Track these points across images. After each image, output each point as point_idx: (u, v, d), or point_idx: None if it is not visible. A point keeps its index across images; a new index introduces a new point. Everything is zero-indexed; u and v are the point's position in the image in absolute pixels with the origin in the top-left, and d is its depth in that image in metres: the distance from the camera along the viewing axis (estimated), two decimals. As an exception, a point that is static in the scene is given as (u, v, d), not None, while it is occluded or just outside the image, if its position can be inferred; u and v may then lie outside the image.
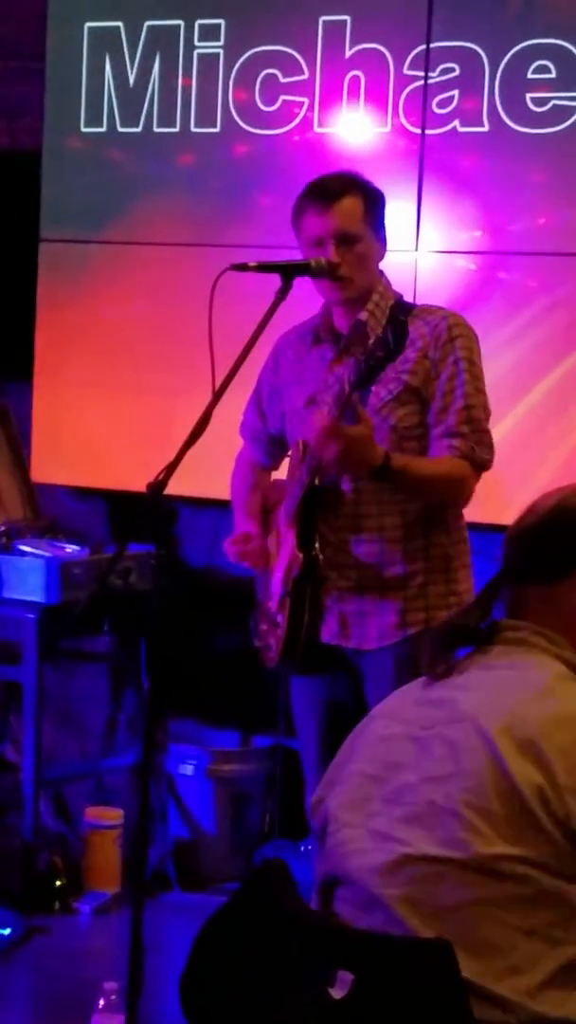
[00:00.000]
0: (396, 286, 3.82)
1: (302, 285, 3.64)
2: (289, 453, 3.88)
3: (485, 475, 3.88)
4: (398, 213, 4.49)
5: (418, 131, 4.75)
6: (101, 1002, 3.60)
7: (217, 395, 3.43)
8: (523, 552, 2.20)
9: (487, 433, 3.69)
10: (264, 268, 3.58)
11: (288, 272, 3.57)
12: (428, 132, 4.74)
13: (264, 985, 2.00)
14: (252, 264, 3.57)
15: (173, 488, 3.43)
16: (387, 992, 1.89)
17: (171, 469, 3.40)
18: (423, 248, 4.74)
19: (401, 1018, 1.88)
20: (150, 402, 5.09)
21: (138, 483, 3.48)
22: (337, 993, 1.91)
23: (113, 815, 4.87)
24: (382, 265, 3.78)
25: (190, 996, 2.09)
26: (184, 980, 2.10)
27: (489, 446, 3.69)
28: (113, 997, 3.60)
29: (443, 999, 1.87)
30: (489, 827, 1.94)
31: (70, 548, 4.89)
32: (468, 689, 2.10)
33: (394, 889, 1.99)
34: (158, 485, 3.38)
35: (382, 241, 3.74)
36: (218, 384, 3.40)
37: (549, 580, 2.16)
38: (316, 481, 3.64)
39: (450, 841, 1.96)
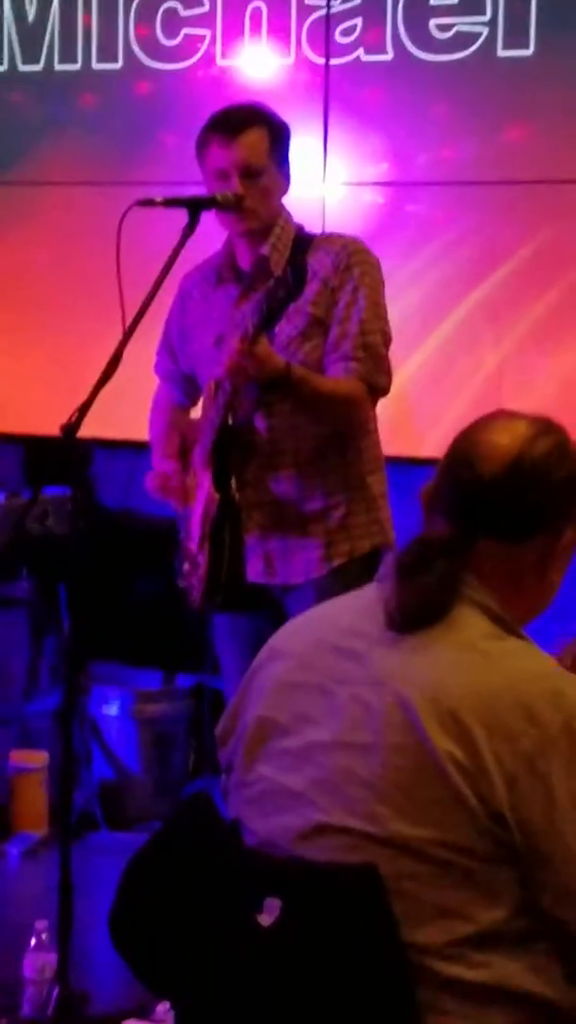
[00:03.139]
0: (303, 220, 3.80)
1: (205, 222, 3.62)
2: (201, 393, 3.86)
3: (399, 408, 3.90)
4: (304, 146, 4.47)
5: (322, 61, 4.72)
6: (33, 941, 3.61)
7: (127, 334, 3.42)
8: (481, 508, 2.03)
9: (384, 359, 3.68)
10: (170, 203, 3.56)
11: (194, 206, 3.56)
12: (332, 62, 4.71)
13: (193, 915, 2.01)
14: (158, 199, 3.55)
15: (88, 430, 3.42)
16: (315, 918, 1.91)
17: (84, 410, 3.39)
18: (330, 181, 4.73)
19: (331, 944, 1.89)
20: (62, 344, 5.06)
21: (52, 427, 3.46)
22: (265, 920, 1.92)
23: (38, 758, 4.87)
24: (287, 199, 3.76)
25: (121, 929, 2.10)
26: (114, 914, 2.10)
27: (386, 372, 3.68)
28: (44, 936, 3.61)
29: (370, 924, 1.88)
30: (409, 804, 1.89)
31: (-15, 493, 4.86)
32: (394, 648, 2.00)
33: (313, 855, 1.96)
34: (71, 426, 3.37)
35: (286, 175, 3.72)
36: (128, 323, 3.39)
37: (509, 540, 2.03)
38: (229, 420, 3.63)
39: (368, 815, 1.92)
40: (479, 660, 1.96)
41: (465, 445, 2.09)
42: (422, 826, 1.90)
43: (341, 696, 2.00)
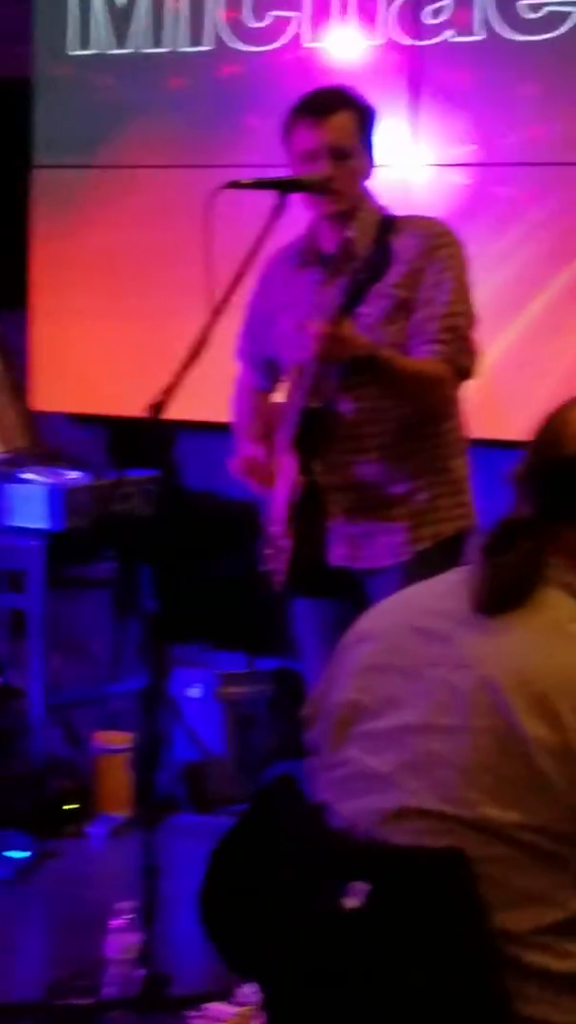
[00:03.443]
0: (389, 202, 3.79)
1: (289, 206, 3.61)
2: (283, 377, 3.86)
3: (483, 390, 3.88)
4: (391, 127, 4.45)
5: (409, 42, 4.70)
6: (116, 922, 3.63)
7: (214, 316, 3.43)
8: (565, 488, 2.01)
9: (470, 341, 3.67)
10: (259, 184, 3.58)
11: (282, 187, 3.56)
12: (420, 43, 4.69)
13: (279, 897, 2.01)
14: (247, 181, 3.56)
15: (173, 412, 3.43)
16: (401, 902, 1.90)
17: (171, 390, 3.40)
18: (416, 162, 4.70)
19: (417, 928, 1.89)
20: (148, 326, 5.07)
21: (138, 408, 3.47)
22: (350, 903, 1.91)
23: (122, 739, 4.89)
24: (373, 181, 3.75)
25: (209, 911, 2.10)
26: (202, 896, 2.10)
27: (472, 354, 3.67)
28: (127, 917, 3.62)
29: (458, 909, 1.87)
30: (497, 787, 1.87)
31: (72, 475, 4.88)
32: (482, 631, 1.98)
33: (398, 838, 1.95)
34: (157, 407, 3.39)
35: (371, 159, 3.72)
36: (216, 305, 3.39)
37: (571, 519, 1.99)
38: (312, 404, 3.63)
39: (455, 798, 1.91)
40: (566, 642, 1.95)
41: (553, 425, 2.07)
42: (510, 809, 1.89)
43: (428, 679, 2.00)
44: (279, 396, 3.87)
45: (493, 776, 1.90)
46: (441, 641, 2.01)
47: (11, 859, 4.37)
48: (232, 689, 4.99)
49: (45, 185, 5.22)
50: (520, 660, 1.93)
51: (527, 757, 1.88)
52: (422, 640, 2.03)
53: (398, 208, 3.85)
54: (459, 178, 4.72)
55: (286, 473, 3.68)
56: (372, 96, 3.79)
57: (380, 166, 3.75)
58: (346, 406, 3.65)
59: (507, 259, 4.63)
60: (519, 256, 4.64)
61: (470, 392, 4.07)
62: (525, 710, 1.89)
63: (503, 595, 1.99)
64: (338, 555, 3.72)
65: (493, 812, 1.89)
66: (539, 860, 1.89)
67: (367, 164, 3.70)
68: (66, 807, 4.74)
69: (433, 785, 1.95)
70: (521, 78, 4.60)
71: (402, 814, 1.96)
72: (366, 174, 3.71)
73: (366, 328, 3.55)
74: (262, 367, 3.97)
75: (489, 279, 4.41)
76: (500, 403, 4.61)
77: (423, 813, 1.95)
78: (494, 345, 4.51)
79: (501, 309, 4.54)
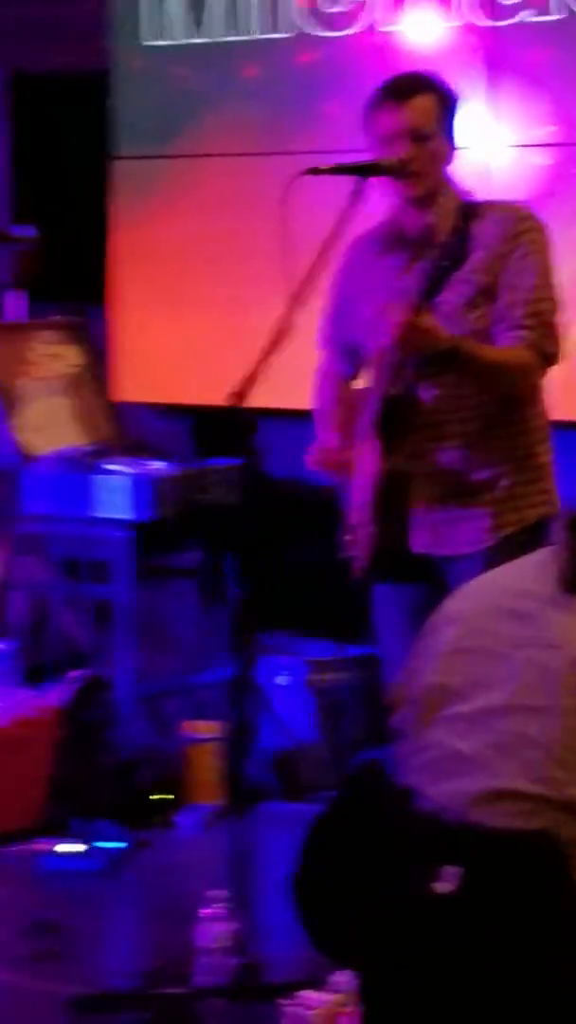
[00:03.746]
0: (469, 184, 3.76)
1: (372, 193, 3.60)
2: (365, 363, 3.85)
3: (567, 373, 3.83)
4: (470, 110, 4.42)
5: (487, 24, 4.66)
6: (207, 911, 3.63)
7: (294, 303, 3.42)
8: None
9: (555, 327, 3.64)
10: (337, 170, 3.57)
11: (361, 172, 3.56)
12: (497, 24, 4.65)
13: (370, 883, 2.01)
14: (325, 167, 3.56)
15: (255, 400, 3.43)
16: (493, 885, 1.89)
17: (251, 379, 3.40)
18: (496, 144, 4.67)
19: (509, 911, 1.88)
20: (228, 315, 5.07)
21: (219, 397, 3.47)
22: (443, 888, 1.90)
23: (210, 728, 4.89)
24: (453, 164, 3.73)
25: (301, 897, 2.10)
26: (294, 882, 2.11)
27: (556, 339, 3.64)
28: (219, 906, 3.63)
29: (550, 890, 1.86)
30: None
31: (156, 465, 4.90)
32: (559, 606, 2.00)
33: (487, 820, 1.94)
34: (239, 395, 3.39)
35: (452, 143, 3.71)
36: (296, 292, 3.39)
37: None
38: (393, 391, 3.62)
39: (544, 779, 1.90)
40: None
41: None
42: None
43: (516, 659, 1.99)
44: (361, 383, 3.86)
45: None
46: (528, 622, 2.00)
47: (103, 850, 4.40)
48: (320, 676, 4.98)
49: (124, 176, 5.23)
50: None
51: None
52: (509, 621, 2.03)
53: (479, 191, 3.83)
54: (540, 159, 4.68)
55: (367, 460, 3.68)
56: (450, 78, 3.77)
57: (460, 149, 3.73)
58: (427, 393, 3.64)
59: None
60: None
61: (554, 375, 4.04)
62: None
63: None
64: (420, 542, 3.71)
65: None
66: None
67: (448, 148, 3.69)
68: (156, 797, 4.76)
69: (521, 766, 1.94)
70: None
71: (490, 796, 1.96)
72: (447, 158, 3.69)
73: (446, 315, 3.54)
74: (345, 354, 3.96)
75: (572, 260, 4.37)
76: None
77: (511, 795, 1.94)
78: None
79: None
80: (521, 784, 1.92)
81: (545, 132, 4.65)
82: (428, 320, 3.43)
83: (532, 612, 2.00)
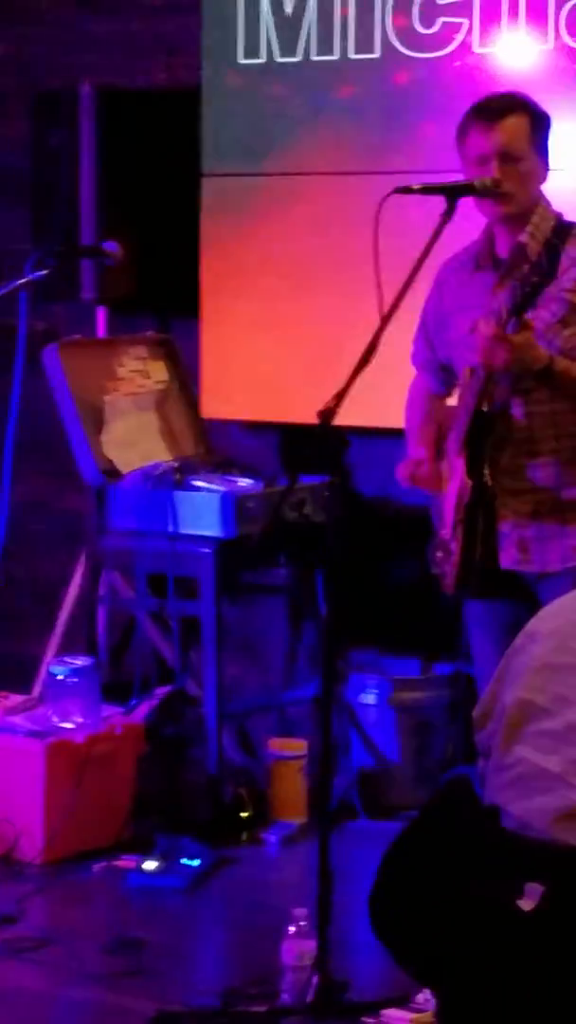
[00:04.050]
0: (564, 207, 3.77)
1: (465, 211, 3.61)
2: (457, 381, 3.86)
3: None
4: (564, 132, 4.40)
5: (582, 45, 4.65)
6: (292, 928, 3.63)
7: (384, 321, 3.43)
8: None
9: None
10: (428, 190, 3.59)
11: (452, 192, 3.57)
12: (592, 46, 4.64)
13: (453, 900, 2.00)
14: (416, 186, 3.57)
15: (345, 418, 3.44)
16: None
17: (341, 396, 3.41)
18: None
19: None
20: (318, 333, 5.08)
21: (309, 415, 3.48)
22: (527, 905, 1.89)
23: (297, 746, 4.90)
24: (547, 186, 3.73)
25: (380, 915, 2.10)
26: (374, 899, 2.11)
27: None
28: (303, 923, 3.63)
29: None
30: None
31: (244, 482, 4.91)
32: None
33: (572, 837, 1.93)
34: (328, 412, 3.40)
35: (545, 163, 3.73)
36: (386, 311, 3.39)
37: None
38: (484, 407, 3.63)
39: None
40: None
41: None
42: None
43: None
44: (455, 401, 3.87)
45: None
46: None
47: (188, 866, 4.40)
48: (407, 695, 4.97)
49: (214, 193, 5.25)
50: None
51: None
52: None
53: (572, 212, 3.82)
54: None
55: (457, 475, 3.68)
56: (544, 101, 3.77)
57: (554, 170, 3.73)
58: (519, 410, 3.64)
59: None
60: None
61: None
62: None
63: None
64: (509, 558, 3.71)
65: None
66: None
67: (541, 169, 3.71)
68: (242, 814, 4.76)
69: None
70: None
71: (573, 813, 1.94)
72: (540, 178, 3.71)
73: (538, 332, 3.54)
74: (437, 372, 3.97)
75: None
76: None
77: None
78: None
79: None
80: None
81: None
82: (523, 336, 3.44)
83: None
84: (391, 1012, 3.44)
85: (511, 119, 3.64)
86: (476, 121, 3.67)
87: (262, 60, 5.16)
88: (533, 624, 2.18)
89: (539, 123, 3.70)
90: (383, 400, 4.10)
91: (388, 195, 3.48)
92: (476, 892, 1.97)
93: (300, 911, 3.65)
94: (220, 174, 5.25)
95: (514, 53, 4.76)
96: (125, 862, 4.48)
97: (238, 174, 5.23)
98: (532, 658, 2.10)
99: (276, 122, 5.18)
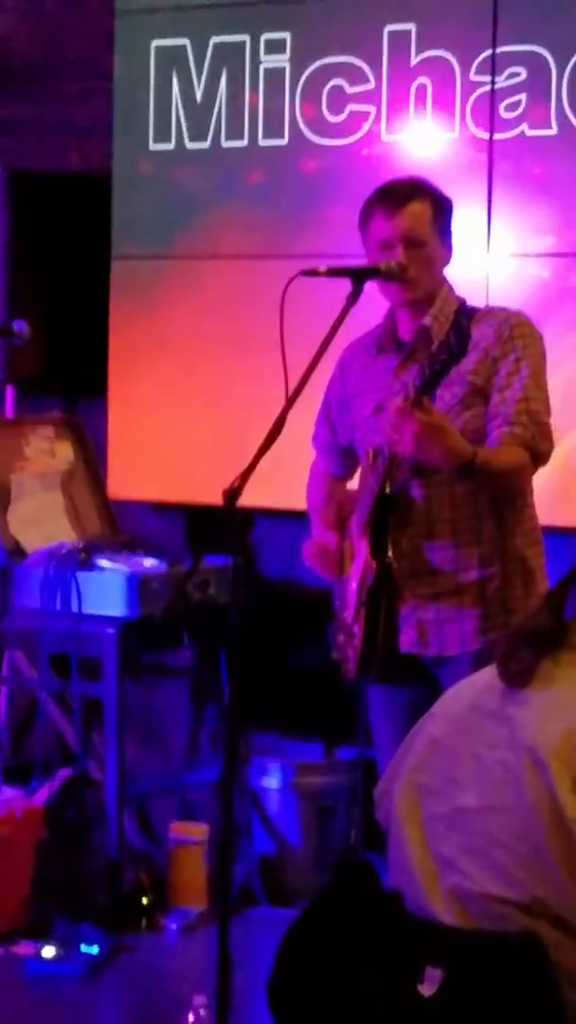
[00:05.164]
0: (468, 292, 3.81)
1: (366, 297, 3.63)
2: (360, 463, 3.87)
3: (560, 478, 3.85)
4: (468, 219, 4.47)
5: (486, 136, 4.73)
6: (190, 1017, 3.59)
7: (290, 401, 3.44)
8: None
9: (547, 426, 3.66)
10: (334, 273, 3.60)
11: (358, 276, 3.59)
12: (496, 137, 4.72)
13: (353, 984, 1.98)
14: (322, 269, 3.58)
15: (250, 499, 3.43)
16: (479, 987, 1.86)
17: (246, 476, 3.40)
18: (494, 253, 4.72)
19: (492, 1012, 1.85)
20: (225, 415, 5.09)
21: (215, 496, 3.47)
22: (427, 990, 1.88)
23: (198, 830, 4.86)
24: (451, 271, 3.77)
25: (278, 999, 2.08)
26: (271, 985, 2.08)
27: (548, 438, 3.66)
28: (202, 1012, 3.58)
29: (534, 992, 1.83)
30: (545, 867, 1.85)
31: (148, 562, 4.89)
32: (530, 707, 1.98)
33: (460, 921, 1.93)
34: (233, 492, 3.39)
35: (448, 247, 3.76)
36: (291, 392, 3.41)
37: None
38: (387, 488, 3.63)
39: (509, 880, 1.89)
40: None
41: None
42: (554, 890, 1.86)
43: (488, 760, 1.98)
44: (356, 484, 3.88)
45: (542, 856, 1.87)
46: (501, 721, 1.99)
47: (86, 953, 4.34)
48: (309, 779, 4.95)
49: (124, 276, 5.27)
50: (566, 739, 1.90)
51: (570, 836, 1.85)
52: (490, 721, 2.02)
53: (478, 299, 3.87)
54: (537, 269, 4.72)
55: (360, 558, 3.68)
56: (450, 188, 3.82)
57: (458, 256, 3.77)
58: (418, 491, 3.65)
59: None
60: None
61: (549, 480, 4.05)
62: (568, 788, 1.86)
63: (519, 671, 1.98)
64: (408, 641, 3.70)
65: (541, 892, 1.86)
66: None
67: (444, 253, 3.74)
68: (143, 900, 4.70)
69: (488, 867, 1.92)
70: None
71: (466, 898, 1.94)
72: (442, 263, 3.74)
73: (442, 412, 3.55)
74: (338, 454, 3.98)
75: (567, 368, 4.41)
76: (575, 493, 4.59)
77: (480, 896, 1.92)
78: (572, 434, 4.49)
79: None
80: (488, 886, 1.91)
81: (543, 242, 4.69)
82: (440, 416, 3.43)
83: (505, 713, 2.00)
84: None
85: (414, 204, 3.66)
86: (379, 206, 3.68)
87: (172, 146, 5.21)
88: (435, 706, 2.18)
89: (441, 208, 3.72)
90: (288, 481, 4.11)
91: (294, 277, 3.49)
92: (376, 978, 1.95)
93: (199, 999, 3.61)
94: (130, 257, 5.27)
95: (421, 141, 4.84)
96: (23, 948, 4.41)
97: (148, 257, 5.25)
98: (429, 739, 2.11)
99: (186, 206, 5.22)
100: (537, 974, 1.82)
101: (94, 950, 4.36)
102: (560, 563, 3.74)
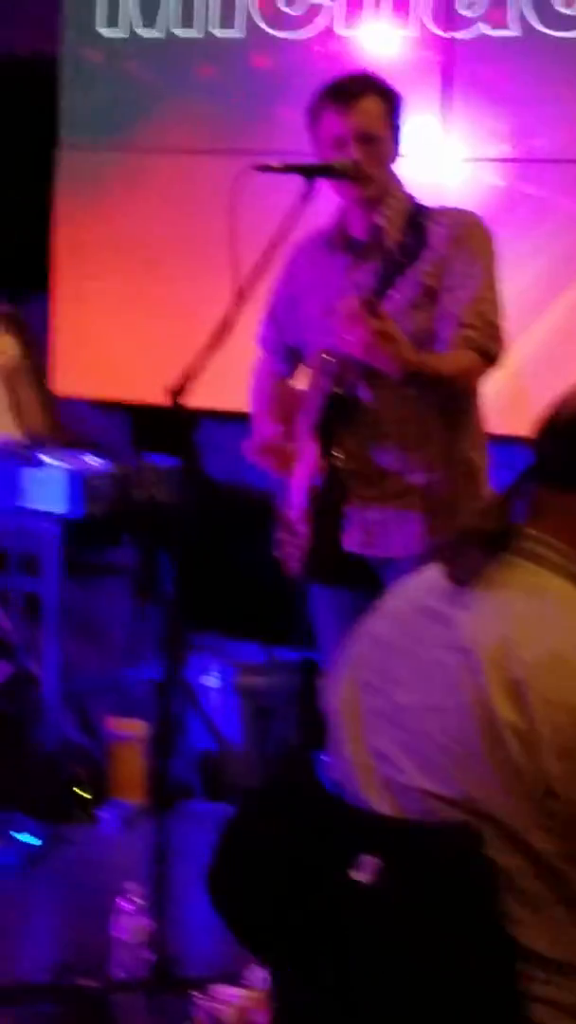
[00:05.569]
0: (420, 195, 3.76)
1: (316, 195, 3.59)
2: (307, 363, 3.84)
3: (512, 387, 3.84)
4: (423, 121, 4.43)
5: (444, 34, 4.67)
6: (126, 905, 3.62)
7: (238, 300, 3.41)
8: (545, 449, 2.04)
9: (498, 328, 3.63)
10: (287, 168, 3.55)
11: (311, 173, 3.54)
12: (454, 36, 4.66)
13: (290, 872, 2.00)
14: (275, 164, 3.54)
15: (196, 400, 3.42)
16: (412, 876, 1.88)
17: (192, 374, 3.39)
18: (449, 157, 4.68)
19: (428, 902, 1.87)
20: (173, 313, 5.05)
21: (161, 396, 3.46)
22: (363, 877, 1.90)
23: (137, 726, 4.87)
24: (404, 175, 3.73)
25: (218, 887, 2.09)
26: (212, 871, 2.09)
27: (500, 340, 3.63)
28: (137, 900, 3.61)
29: (470, 883, 1.85)
30: (476, 768, 1.87)
31: (93, 461, 4.87)
32: (470, 610, 1.98)
33: (394, 813, 1.95)
34: (179, 391, 3.37)
35: (398, 143, 3.69)
36: (241, 290, 3.38)
37: (567, 485, 1.99)
38: (337, 390, 3.62)
39: (444, 778, 1.91)
40: (550, 627, 1.93)
41: (566, 395, 2.08)
42: (486, 791, 1.88)
43: (426, 659, 1.99)
44: (300, 383, 3.86)
45: (474, 756, 1.89)
46: (441, 622, 2.00)
47: (23, 844, 4.36)
48: (250, 680, 4.97)
49: (70, 167, 5.20)
50: (504, 643, 1.91)
51: (501, 740, 1.87)
52: (429, 620, 2.03)
53: (429, 202, 3.83)
54: (491, 174, 4.69)
55: (307, 459, 3.67)
56: (404, 87, 3.77)
57: (411, 160, 3.73)
58: (367, 393, 3.63)
59: (536, 256, 4.60)
60: (548, 254, 4.62)
61: (497, 388, 4.05)
62: (502, 694, 1.87)
63: (466, 570, 2.00)
64: (352, 541, 3.70)
65: (473, 792, 1.88)
66: (519, 845, 1.87)
67: (395, 149, 3.68)
68: (80, 793, 4.73)
69: (423, 763, 1.94)
70: (557, 74, 4.57)
71: (395, 790, 1.96)
72: (394, 159, 3.69)
73: (392, 314, 3.52)
74: (283, 353, 3.95)
75: (518, 276, 4.39)
76: (527, 400, 4.59)
77: (414, 790, 1.94)
78: (522, 342, 4.49)
79: (529, 306, 4.52)
80: (425, 783, 1.92)
81: (497, 147, 4.66)
82: (391, 324, 3.40)
83: (445, 613, 2.00)
84: (222, 989, 3.44)
85: (367, 100, 3.60)
86: (331, 102, 3.61)
87: (123, 33, 5.12)
88: (381, 602, 2.19)
89: (393, 103, 3.66)
90: (235, 383, 4.08)
91: (246, 171, 3.45)
92: (312, 866, 1.97)
93: (134, 888, 3.64)
94: (77, 147, 5.20)
95: (377, 38, 4.78)
96: (-41, 839, 4.44)
97: (95, 147, 5.18)
98: (373, 637, 2.11)
99: (136, 97, 5.14)
100: (473, 864, 1.84)
101: (32, 841, 4.38)
102: (509, 471, 3.75)
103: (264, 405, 3.93)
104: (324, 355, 3.64)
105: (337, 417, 3.62)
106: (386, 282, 3.38)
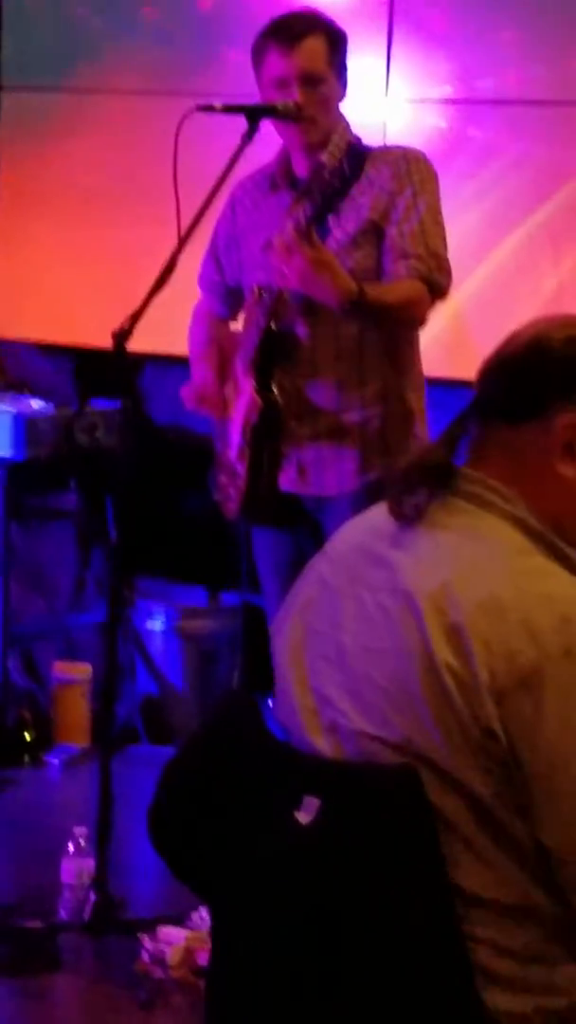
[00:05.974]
0: (364, 138, 3.74)
1: (259, 135, 3.56)
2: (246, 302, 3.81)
3: (454, 329, 3.83)
4: (367, 63, 4.41)
5: (387, -25, 4.65)
6: (71, 847, 3.63)
7: (181, 242, 3.39)
8: (490, 384, 2.02)
9: (444, 259, 3.61)
10: (229, 109, 3.53)
11: (254, 114, 3.52)
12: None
13: (232, 812, 2.01)
14: (218, 105, 3.51)
15: (140, 345, 3.40)
16: (352, 818, 1.90)
17: (136, 317, 3.37)
18: (392, 98, 4.66)
19: (368, 843, 1.89)
20: (117, 255, 5.02)
21: (104, 339, 3.44)
22: (304, 818, 1.91)
23: (81, 670, 4.89)
24: (349, 116, 3.71)
25: (159, 827, 2.10)
26: (153, 810, 2.10)
27: (446, 271, 3.61)
28: (82, 842, 3.63)
29: (409, 825, 1.87)
30: (416, 711, 1.88)
31: (36, 404, 4.85)
32: (412, 553, 1.97)
33: (337, 756, 1.96)
34: (123, 333, 3.36)
35: (344, 83, 3.67)
36: (183, 232, 3.36)
37: (512, 420, 1.98)
38: (272, 326, 3.59)
39: (385, 721, 1.91)
40: (489, 572, 1.93)
41: (514, 332, 2.08)
42: (426, 735, 1.89)
43: (369, 602, 1.99)
44: (241, 324, 3.83)
45: (414, 700, 1.90)
46: (384, 565, 2.00)
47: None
48: (193, 624, 4.98)
49: (14, 109, 5.16)
50: (445, 587, 1.91)
51: (441, 683, 1.88)
52: (371, 563, 2.03)
53: (373, 143, 3.82)
54: (435, 115, 4.68)
55: (244, 396, 3.65)
56: (349, 28, 3.74)
57: (354, 100, 3.71)
58: (303, 329, 3.61)
59: (481, 198, 4.60)
60: (493, 196, 4.61)
61: (438, 331, 4.06)
62: (441, 637, 1.88)
63: (412, 506, 2.00)
64: (288, 479, 3.68)
65: (413, 736, 1.89)
66: (459, 788, 1.88)
67: (340, 89, 3.65)
68: (25, 736, 4.74)
69: (364, 706, 1.95)
70: (501, 18, 4.56)
71: (337, 733, 1.97)
72: (339, 99, 3.66)
73: (334, 251, 3.50)
74: (223, 295, 3.93)
75: (462, 218, 4.39)
76: (470, 343, 4.60)
77: (356, 734, 1.95)
78: (465, 284, 4.49)
79: (473, 248, 4.52)
80: (367, 726, 1.93)
81: (441, 90, 4.65)
82: (331, 256, 3.38)
83: (390, 559, 2.00)
84: (167, 930, 3.46)
85: (310, 40, 3.56)
86: (274, 42, 3.58)
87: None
88: (328, 543, 2.19)
89: (337, 43, 3.62)
90: (178, 327, 4.06)
91: (189, 112, 3.43)
92: (255, 806, 1.98)
93: (79, 830, 3.65)
94: (19, 88, 5.15)
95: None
96: None
97: (38, 89, 5.13)
98: (318, 578, 2.12)
99: (80, 39, 5.09)
100: (412, 806, 1.85)
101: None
102: (449, 414, 3.76)
103: (201, 347, 3.89)
104: (259, 290, 3.62)
105: (273, 353, 3.60)
106: (324, 210, 3.35)
